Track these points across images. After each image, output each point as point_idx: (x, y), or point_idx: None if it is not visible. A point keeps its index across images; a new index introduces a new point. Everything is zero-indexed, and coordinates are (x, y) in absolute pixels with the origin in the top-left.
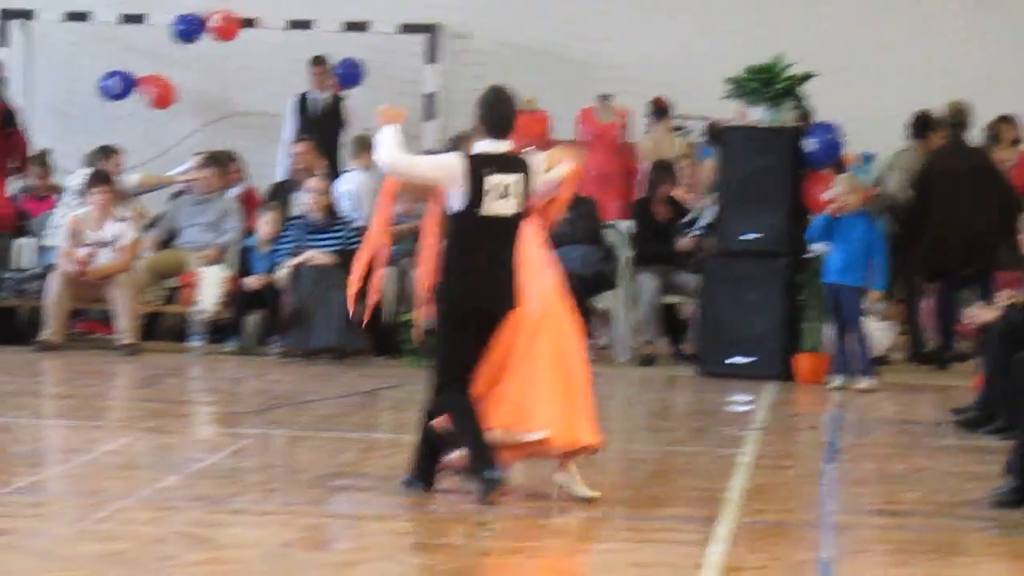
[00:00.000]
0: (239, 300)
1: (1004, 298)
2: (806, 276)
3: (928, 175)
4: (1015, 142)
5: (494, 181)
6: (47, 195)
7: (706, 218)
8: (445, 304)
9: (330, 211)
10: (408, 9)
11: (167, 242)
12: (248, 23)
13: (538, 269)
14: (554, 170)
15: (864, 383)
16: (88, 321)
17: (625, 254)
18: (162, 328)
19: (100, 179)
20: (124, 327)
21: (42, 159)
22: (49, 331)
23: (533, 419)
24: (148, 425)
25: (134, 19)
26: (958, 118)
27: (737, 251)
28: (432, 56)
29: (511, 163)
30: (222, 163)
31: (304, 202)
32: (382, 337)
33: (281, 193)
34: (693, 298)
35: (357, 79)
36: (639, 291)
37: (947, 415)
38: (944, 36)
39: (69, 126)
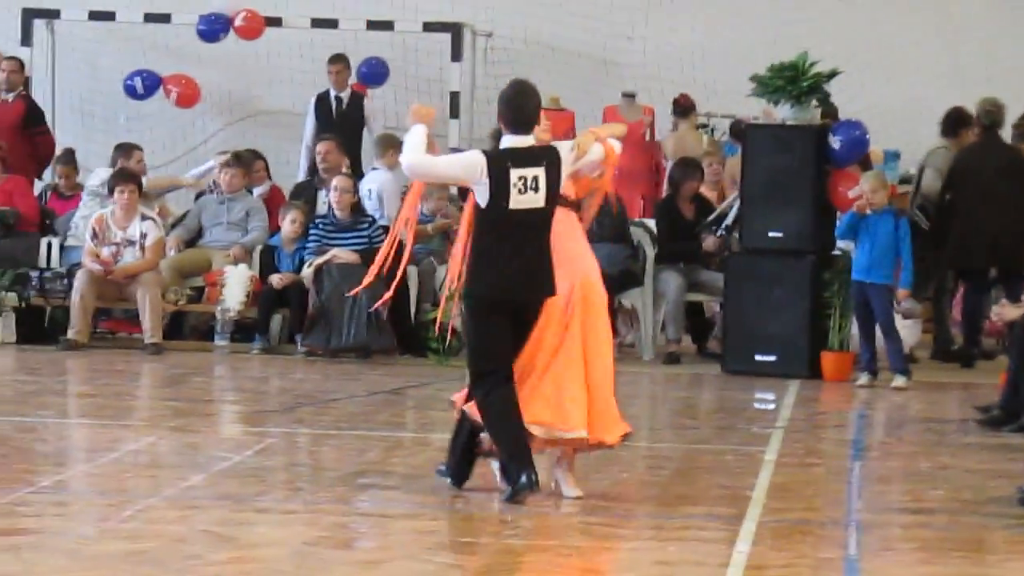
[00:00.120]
0: (264, 299)
1: None
2: (832, 273)
3: (957, 173)
4: None
5: (518, 175)
6: (72, 194)
7: (732, 216)
8: (474, 296)
9: (355, 210)
10: (432, 8)
11: (192, 241)
12: (272, 22)
13: (575, 260)
14: (591, 151)
15: (899, 382)
16: (113, 320)
17: (650, 252)
18: (187, 327)
19: (125, 178)
20: (149, 326)
21: (68, 158)
22: (74, 330)
23: (571, 418)
24: (173, 424)
25: (158, 18)
26: (991, 116)
27: (762, 249)
28: (456, 55)
29: (536, 156)
30: (246, 162)
31: (329, 201)
32: (407, 336)
33: (306, 192)
34: (718, 296)
35: (382, 78)
36: (664, 289)
37: (972, 413)
38: (971, 32)
39: (93, 125)
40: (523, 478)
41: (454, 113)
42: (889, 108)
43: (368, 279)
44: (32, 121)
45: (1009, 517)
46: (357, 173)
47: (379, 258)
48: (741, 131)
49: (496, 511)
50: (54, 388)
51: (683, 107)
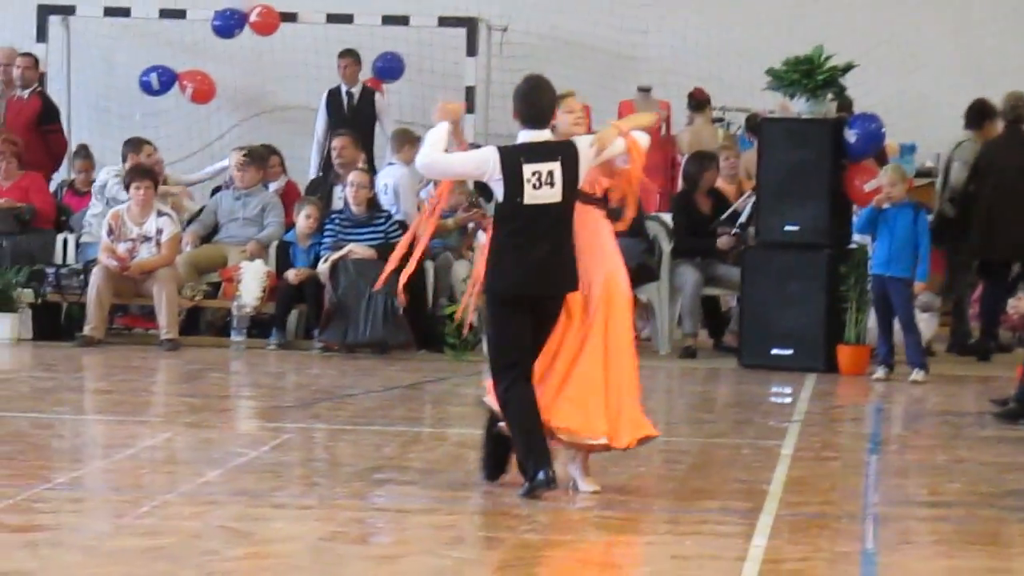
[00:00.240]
0: (281, 295)
1: None
2: (848, 267)
3: (981, 167)
4: None
5: (532, 170)
6: (88, 190)
7: (747, 214)
8: (493, 291)
9: (371, 205)
10: (447, 2)
11: (208, 237)
12: (288, 17)
13: (600, 258)
14: (613, 146)
15: (918, 375)
16: (129, 316)
17: (666, 246)
18: (203, 323)
19: (141, 174)
20: (165, 322)
21: (84, 154)
22: (90, 326)
23: (596, 424)
24: (189, 420)
25: (174, 14)
26: (1016, 111)
27: (778, 243)
28: (472, 49)
29: (551, 150)
30: (262, 158)
31: (344, 196)
32: (424, 331)
33: (321, 187)
34: (734, 290)
35: (397, 73)
36: (680, 283)
37: (989, 406)
38: (987, 26)
39: (108, 122)
40: (540, 474)
41: (469, 108)
42: (905, 101)
43: (389, 268)
44: (46, 118)
45: None
46: (370, 168)
47: (396, 254)
48: (757, 125)
49: (512, 506)
50: (70, 384)
51: (698, 101)
